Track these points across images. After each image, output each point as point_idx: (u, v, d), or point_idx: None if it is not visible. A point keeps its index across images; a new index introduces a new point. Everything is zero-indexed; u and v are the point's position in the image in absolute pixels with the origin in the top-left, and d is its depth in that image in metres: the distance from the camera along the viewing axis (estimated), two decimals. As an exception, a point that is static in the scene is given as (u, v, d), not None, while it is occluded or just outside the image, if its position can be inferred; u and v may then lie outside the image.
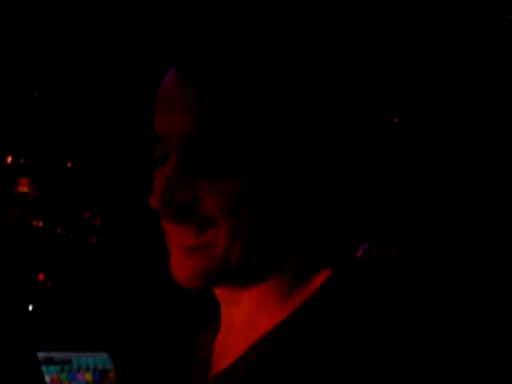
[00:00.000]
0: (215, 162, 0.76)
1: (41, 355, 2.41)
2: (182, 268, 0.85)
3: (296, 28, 0.76)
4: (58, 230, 8.59)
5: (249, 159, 0.76)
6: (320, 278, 0.87)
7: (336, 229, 0.85)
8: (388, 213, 6.99)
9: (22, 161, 8.80)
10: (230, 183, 0.77)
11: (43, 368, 2.36)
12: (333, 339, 0.81)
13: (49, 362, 2.39)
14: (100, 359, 2.57)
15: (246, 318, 0.87)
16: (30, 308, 6.36)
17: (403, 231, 7.09)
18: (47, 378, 2.32)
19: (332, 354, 0.80)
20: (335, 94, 0.77)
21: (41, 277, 7.71)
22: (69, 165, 8.91)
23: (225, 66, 0.74)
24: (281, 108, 0.74)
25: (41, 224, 8.52)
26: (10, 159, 8.74)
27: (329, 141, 0.78)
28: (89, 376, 2.46)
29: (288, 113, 0.75)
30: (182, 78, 0.77)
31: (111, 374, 2.54)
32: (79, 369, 2.46)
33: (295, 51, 0.74)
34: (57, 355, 2.44)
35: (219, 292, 0.90)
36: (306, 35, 0.75)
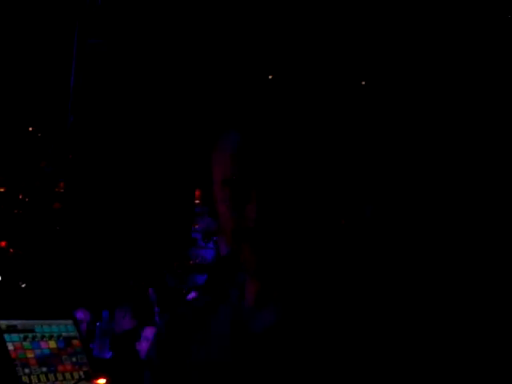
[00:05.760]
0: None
1: (3, 323, 2.37)
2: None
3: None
4: (20, 196, 8.46)
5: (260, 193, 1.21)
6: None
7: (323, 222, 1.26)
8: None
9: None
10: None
11: (5, 336, 2.33)
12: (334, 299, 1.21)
13: (11, 330, 2.36)
14: (64, 327, 2.54)
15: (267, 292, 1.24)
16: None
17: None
18: (10, 346, 2.29)
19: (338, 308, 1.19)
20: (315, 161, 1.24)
21: (2, 244, 7.61)
22: (30, 129, 8.75)
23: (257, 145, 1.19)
24: (279, 173, 1.20)
25: (2, 190, 8.39)
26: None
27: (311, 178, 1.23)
28: (53, 343, 2.43)
29: (283, 177, 1.20)
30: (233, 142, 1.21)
31: (75, 341, 2.52)
32: (43, 336, 2.43)
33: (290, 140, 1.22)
34: (19, 323, 2.41)
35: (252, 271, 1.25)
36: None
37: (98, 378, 2.37)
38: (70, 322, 2.56)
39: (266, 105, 1.20)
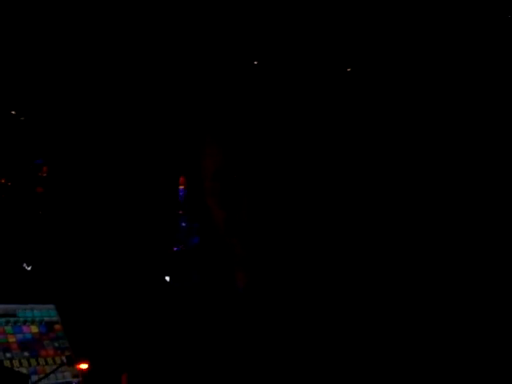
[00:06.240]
0: None
1: (-15, 308, 2.37)
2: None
3: None
4: (3, 180, 8.41)
5: None
6: None
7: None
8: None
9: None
10: None
11: (-13, 321, 2.32)
12: None
13: (-7, 314, 2.35)
14: (46, 311, 2.54)
15: None
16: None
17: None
18: (-9, 331, 2.28)
19: None
20: None
21: (-15, 227, 7.55)
22: (13, 112, 8.68)
23: None
24: None
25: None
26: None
27: None
28: (35, 328, 2.43)
29: None
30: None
31: (57, 326, 2.52)
32: (25, 321, 2.43)
33: None
34: (1, 308, 2.41)
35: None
36: None
37: (80, 362, 2.38)
38: (51, 306, 2.57)
39: (254, 101, 1.21)
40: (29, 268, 6.26)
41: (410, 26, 7.12)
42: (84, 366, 2.38)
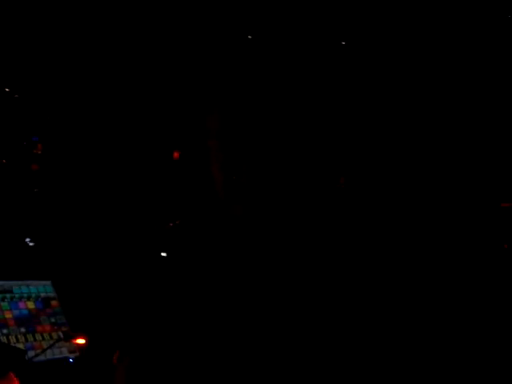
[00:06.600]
0: None
1: (-20, 284, 2.36)
2: None
3: None
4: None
5: None
6: None
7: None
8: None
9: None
10: None
11: (-17, 297, 2.32)
12: None
13: (-11, 290, 2.35)
14: (42, 287, 2.54)
15: None
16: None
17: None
18: (-12, 307, 2.28)
19: None
20: None
21: (-20, 206, 7.54)
22: (7, 89, 8.62)
23: None
24: None
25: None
26: None
27: None
28: (31, 304, 2.43)
29: None
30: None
31: (54, 302, 2.51)
32: (21, 297, 2.43)
33: None
34: (-3, 284, 2.41)
35: None
36: None
37: (76, 337, 2.38)
38: (48, 282, 2.56)
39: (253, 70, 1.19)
40: (31, 244, 6.26)
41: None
42: (81, 342, 2.38)
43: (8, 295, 2.38)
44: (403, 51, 7.20)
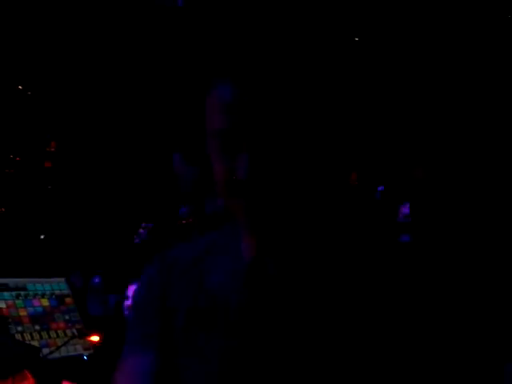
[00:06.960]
0: None
1: (-5, 282, 2.37)
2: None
3: None
4: (11, 156, 8.41)
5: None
6: None
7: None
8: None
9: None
10: None
11: (-2, 294, 2.32)
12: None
13: (3, 288, 2.36)
14: (56, 285, 2.54)
15: None
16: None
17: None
18: (2, 304, 2.29)
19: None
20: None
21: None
22: (20, 87, 8.65)
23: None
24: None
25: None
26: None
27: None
28: (45, 301, 2.44)
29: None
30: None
31: (68, 299, 2.52)
32: (35, 295, 2.43)
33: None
34: (11, 281, 2.41)
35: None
36: None
37: (91, 335, 2.38)
38: (62, 279, 2.56)
39: (262, 54, 1.17)
40: (45, 241, 6.30)
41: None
42: (95, 339, 2.38)
43: (22, 293, 2.38)
44: (416, 49, 7.16)
